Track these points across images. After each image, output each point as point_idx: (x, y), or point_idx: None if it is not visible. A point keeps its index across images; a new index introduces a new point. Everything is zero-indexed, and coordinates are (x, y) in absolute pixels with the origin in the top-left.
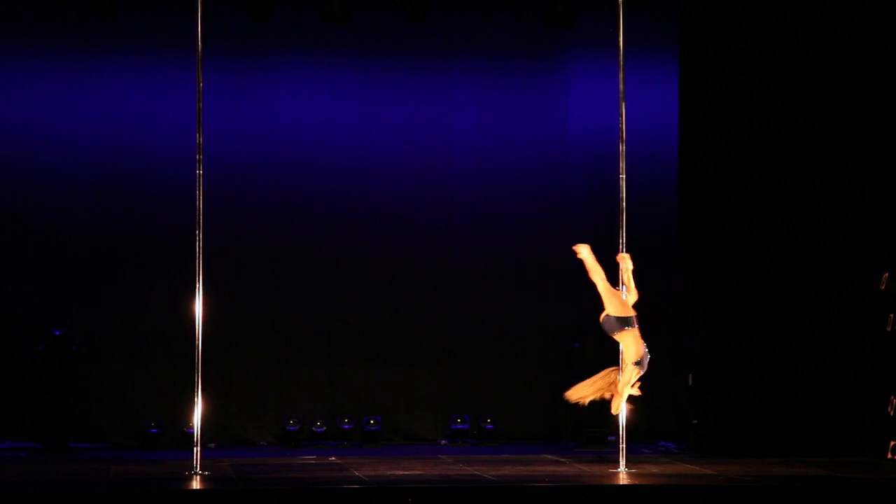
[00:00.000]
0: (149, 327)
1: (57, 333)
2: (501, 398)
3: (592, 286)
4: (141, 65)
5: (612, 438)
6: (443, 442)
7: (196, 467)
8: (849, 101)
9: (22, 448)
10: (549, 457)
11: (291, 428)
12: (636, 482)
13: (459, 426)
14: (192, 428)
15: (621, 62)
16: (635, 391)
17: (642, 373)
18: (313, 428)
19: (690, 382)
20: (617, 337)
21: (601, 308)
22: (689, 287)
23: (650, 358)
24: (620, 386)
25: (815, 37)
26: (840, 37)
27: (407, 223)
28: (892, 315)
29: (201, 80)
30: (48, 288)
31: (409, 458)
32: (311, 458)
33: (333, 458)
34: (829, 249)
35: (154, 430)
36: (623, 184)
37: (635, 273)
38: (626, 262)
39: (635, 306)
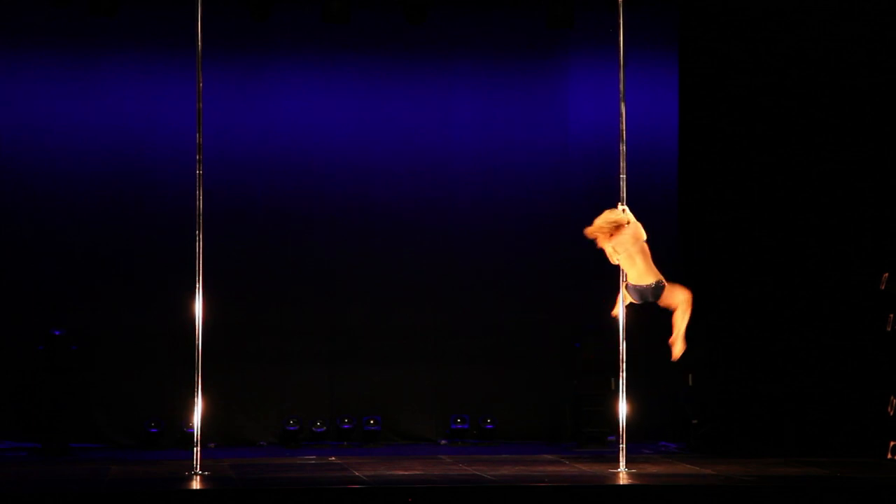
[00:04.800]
0: (149, 327)
1: (57, 333)
2: (501, 398)
3: (592, 286)
4: (141, 65)
5: (612, 438)
6: (443, 442)
7: (196, 467)
8: (850, 101)
9: (22, 448)
10: (549, 457)
11: (291, 428)
12: (636, 482)
13: (459, 426)
14: (191, 428)
15: (621, 62)
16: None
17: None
18: (313, 428)
19: (690, 382)
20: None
21: (601, 307)
22: (689, 287)
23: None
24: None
25: (816, 36)
26: (841, 36)
27: (407, 223)
28: (892, 315)
29: (201, 80)
30: (48, 288)
31: (409, 458)
32: (311, 458)
33: (333, 458)
34: (830, 249)
35: (154, 430)
36: (623, 184)
37: None
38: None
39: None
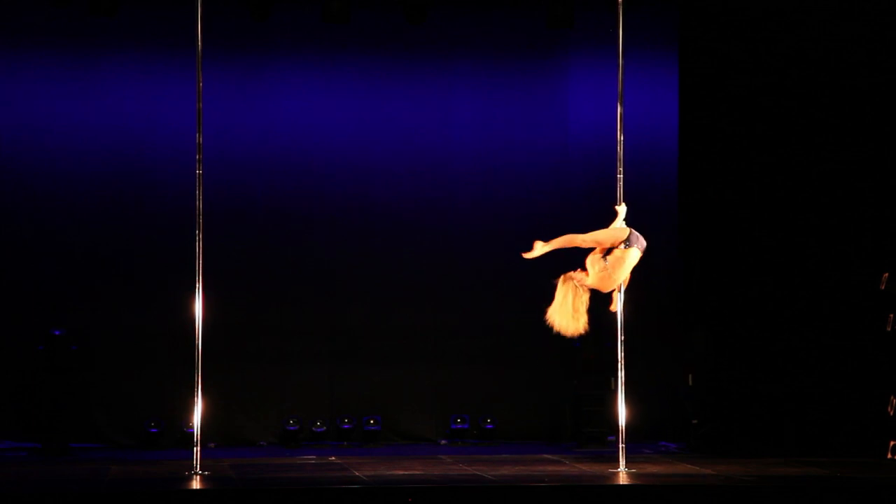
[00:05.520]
0: (149, 327)
1: (57, 333)
2: (501, 398)
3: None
4: (141, 65)
5: (612, 438)
6: (443, 442)
7: (196, 467)
8: (850, 101)
9: (22, 448)
10: (549, 457)
11: (291, 428)
12: (636, 482)
13: (459, 426)
14: (191, 428)
15: (621, 63)
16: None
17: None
18: (313, 428)
19: (690, 382)
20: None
21: (601, 307)
22: (689, 287)
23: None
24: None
25: (816, 36)
26: (841, 36)
27: (407, 223)
28: (892, 315)
29: (201, 80)
30: (48, 288)
31: (409, 458)
32: (311, 458)
33: (333, 458)
34: (830, 249)
35: (154, 430)
36: (620, 184)
37: (637, 270)
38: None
39: None
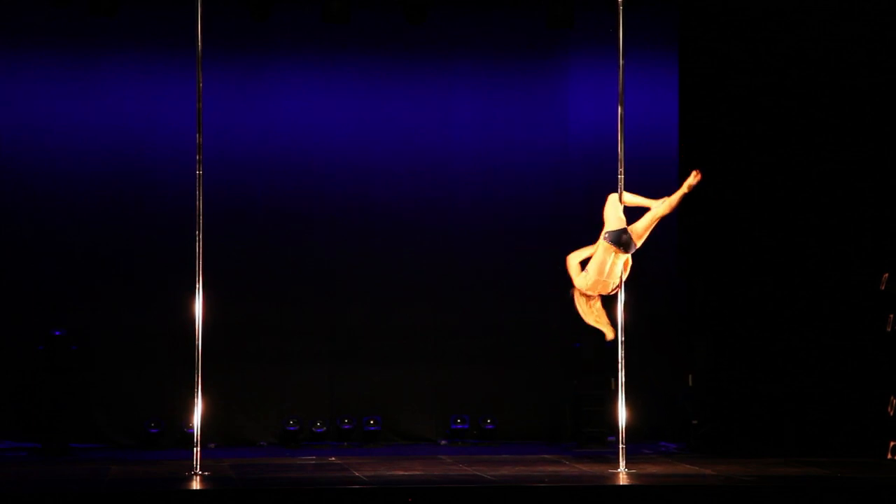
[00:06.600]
0: (149, 327)
1: (57, 333)
2: (501, 398)
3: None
4: (141, 65)
5: (612, 438)
6: (443, 442)
7: (196, 467)
8: (850, 101)
9: (22, 448)
10: (549, 457)
11: (291, 428)
12: (636, 482)
13: (459, 426)
14: (191, 428)
15: (621, 63)
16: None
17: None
18: (313, 428)
19: (690, 383)
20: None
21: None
22: (689, 288)
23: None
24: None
25: (816, 36)
26: (841, 36)
27: (407, 223)
28: (892, 315)
29: (201, 80)
30: (48, 288)
31: (409, 458)
32: (311, 459)
33: (333, 459)
34: (830, 249)
35: (154, 430)
36: (621, 184)
37: (638, 269)
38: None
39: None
